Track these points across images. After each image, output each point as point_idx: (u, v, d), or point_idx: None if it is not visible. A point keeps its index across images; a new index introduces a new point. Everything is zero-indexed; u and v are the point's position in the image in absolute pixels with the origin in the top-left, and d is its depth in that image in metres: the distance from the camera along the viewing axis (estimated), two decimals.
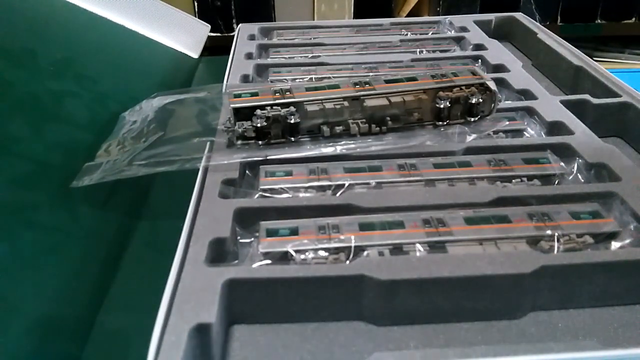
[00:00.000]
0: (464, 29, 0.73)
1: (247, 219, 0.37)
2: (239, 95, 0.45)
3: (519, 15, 0.76)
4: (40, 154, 0.46)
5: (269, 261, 0.34)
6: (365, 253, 0.34)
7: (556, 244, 0.34)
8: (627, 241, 0.35)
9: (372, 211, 0.38)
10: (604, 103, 0.51)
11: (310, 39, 0.71)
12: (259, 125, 0.43)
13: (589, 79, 0.56)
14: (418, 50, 0.66)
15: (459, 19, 0.76)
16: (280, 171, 0.42)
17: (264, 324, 0.33)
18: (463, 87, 0.46)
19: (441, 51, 0.66)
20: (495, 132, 0.47)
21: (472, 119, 0.47)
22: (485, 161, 0.43)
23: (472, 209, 0.38)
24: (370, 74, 0.58)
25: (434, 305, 0.32)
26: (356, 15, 0.88)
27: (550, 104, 0.51)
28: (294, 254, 0.34)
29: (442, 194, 0.39)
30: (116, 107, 0.55)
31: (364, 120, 0.45)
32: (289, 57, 0.65)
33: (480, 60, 0.63)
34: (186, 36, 0.79)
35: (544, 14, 0.91)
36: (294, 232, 0.36)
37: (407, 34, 0.72)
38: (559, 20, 0.92)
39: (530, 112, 0.50)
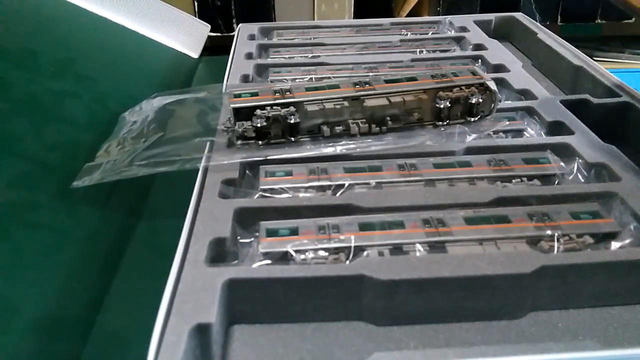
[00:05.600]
0: (464, 29, 0.73)
1: (247, 219, 0.37)
2: (239, 95, 0.45)
3: (519, 15, 0.76)
4: (40, 154, 0.46)
5: (269, 261, 0.34)
6: (365, 253, 0.34)
7: (556, 244, 0.34)
8: (627, 241, 0.35)
9: (372, 211, 0.38)
10: (604, 103, 0.51)
11: (310, 39, 0.71)
12: (259, 125, 0.43)
13: (589, 79, 0.56)
14: (418, 50, 0.66)
15: (459, 19, 0.76)
16: (280, 171, 0.42)
17: (264, 324, 0.33)
18: (463, 87, 0.46)
19: (441, 51, 0.66)
20: (495, 132, 0.47)
21: (472, 119, 0.47)
22: (485, 161, 0.43)
23: (472, 209, 0.38)
24: (370, 74, 0.58)
25: (434, 305, 0.32)
26: (356, 15, 0.88)
27: (550, 104, 0.51)
28: (294, 254, 0.34)
29: (442, 194, 0.39)
30: (116, 107, 0.55)
31: (364, 120, 0.45)
32: (289, 57, 0.65)
33: (480, 60, 0.63)
34: (186, 36, 0.79)
35: (544, 14, 0.91)
36: (294, 232, 0.36)
37: (407, 34, 0.72)
38: (559, 20, 0.92)
39: (530, 112, 0.50)
